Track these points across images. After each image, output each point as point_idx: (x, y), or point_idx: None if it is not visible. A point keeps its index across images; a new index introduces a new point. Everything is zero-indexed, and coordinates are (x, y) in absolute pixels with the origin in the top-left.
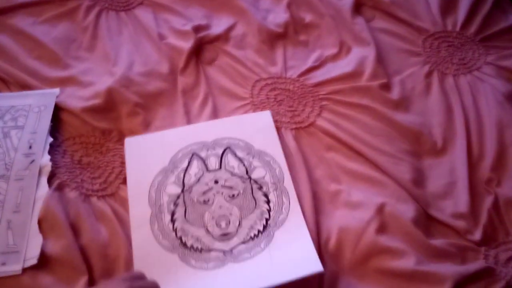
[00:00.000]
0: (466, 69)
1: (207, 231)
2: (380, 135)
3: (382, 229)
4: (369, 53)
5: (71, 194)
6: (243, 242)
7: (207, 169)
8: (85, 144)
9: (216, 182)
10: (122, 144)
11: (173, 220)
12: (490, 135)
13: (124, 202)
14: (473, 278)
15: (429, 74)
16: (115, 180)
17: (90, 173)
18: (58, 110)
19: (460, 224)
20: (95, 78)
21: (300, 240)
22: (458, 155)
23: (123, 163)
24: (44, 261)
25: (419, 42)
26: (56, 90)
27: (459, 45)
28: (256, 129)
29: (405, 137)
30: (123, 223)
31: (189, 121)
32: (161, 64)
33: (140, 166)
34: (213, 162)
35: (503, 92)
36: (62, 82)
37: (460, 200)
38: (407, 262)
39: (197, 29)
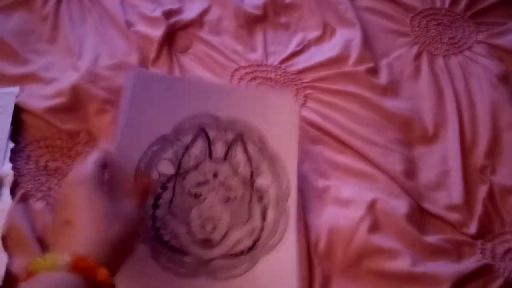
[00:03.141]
0: (456, 49)
1: (189, 230)
2: (369, 125)
3: (374, 227)
4: (355, 35)
5: (37, 205)
6: (224, 257)
7: (210, 156)
8: (51, 148)
9: (215, 175)
10: (92, 146)
11: (155, 206)
12: (484, 120)
13: None
14: (471, 276)
15: (418, 56)
16: None
17: (57, 179)
18: (18, 111)
19: (455, 217)
20: (58, 74)
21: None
22: (450, 142)
23: None
24: (11, 282)
25: (407, 21)
26: (15, 89)
27: (448, 23)
28: (277, 118)
29: (395, 125)
30: None
31: None
32: (130, 55)
33: (138, 120)
34: (219, 149)
35: (496, 73)
36: (22, 80)
37: (454, 191)
38: (403, 263)
39: (168, 14)
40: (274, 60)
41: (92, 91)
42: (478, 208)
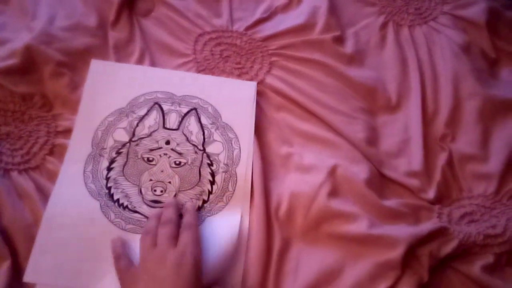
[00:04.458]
0: (422, 19)
1: (140, 192)
2: (333, 93)
3: (334, 192)
4: (322, 3)
5: None
6: None
7: (164, 126)
8: (3, 112)
9: (167, 143)
10: (47, 111)
11: (109, 168)
12: (446, 89)
13: (51, 176)
14: (427, 238)
15: (384, 26)
16: (39, 151)
17: (10, 144)
18: None
19: (414, 182)
20: (11, 35)
21: (229, 245)
22: (412, 111)
23: (49, 133)
24: None
25: None
26: None
27: None
28: (232, 98)
29: (359, 94)
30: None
31: None
32: (88, 17)
33: (97, 97)
34: (172, 120)
35: (459, 44)
36: None
37: (414, 158)
38: (360, 226)
39: None
40: (240, 26)
41: (47, 52)
42: (437, 175)
